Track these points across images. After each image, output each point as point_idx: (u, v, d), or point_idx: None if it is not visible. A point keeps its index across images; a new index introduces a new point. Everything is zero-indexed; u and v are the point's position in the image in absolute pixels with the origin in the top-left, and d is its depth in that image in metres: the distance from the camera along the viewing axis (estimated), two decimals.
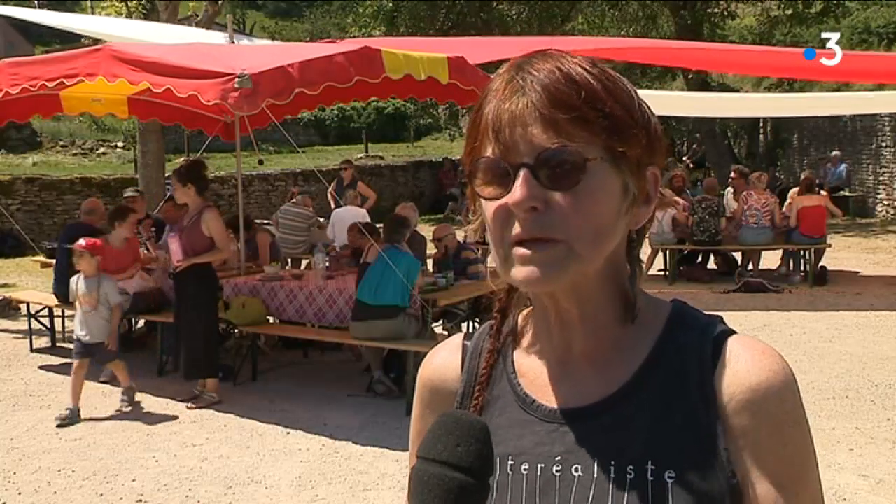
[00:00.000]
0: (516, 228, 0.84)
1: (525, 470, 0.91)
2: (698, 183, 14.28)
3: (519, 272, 0.84)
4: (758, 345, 0.88)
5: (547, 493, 0.89)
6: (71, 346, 7.97)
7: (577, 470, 0.88)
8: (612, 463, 0.87)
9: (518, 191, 0.82)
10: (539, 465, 0.90)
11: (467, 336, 1.05)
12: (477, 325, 7.16)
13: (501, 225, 0.85)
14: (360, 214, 9.38)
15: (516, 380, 0.96)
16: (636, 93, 0.89)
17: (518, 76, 0.85)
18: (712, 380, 0.87)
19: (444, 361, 1.03)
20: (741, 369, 0.86)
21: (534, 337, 0.97)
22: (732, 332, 0.90)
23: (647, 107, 0.90)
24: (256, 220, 9.53)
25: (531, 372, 0.95)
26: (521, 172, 0.82)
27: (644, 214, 0.90)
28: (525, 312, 0.99)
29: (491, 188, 0.86)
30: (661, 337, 0.91)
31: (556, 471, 0.89)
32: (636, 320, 0.92)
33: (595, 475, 0.87)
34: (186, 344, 6.17)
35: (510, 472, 0.91)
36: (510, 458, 0.92)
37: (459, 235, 7.84)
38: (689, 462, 0.85)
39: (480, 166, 0.86)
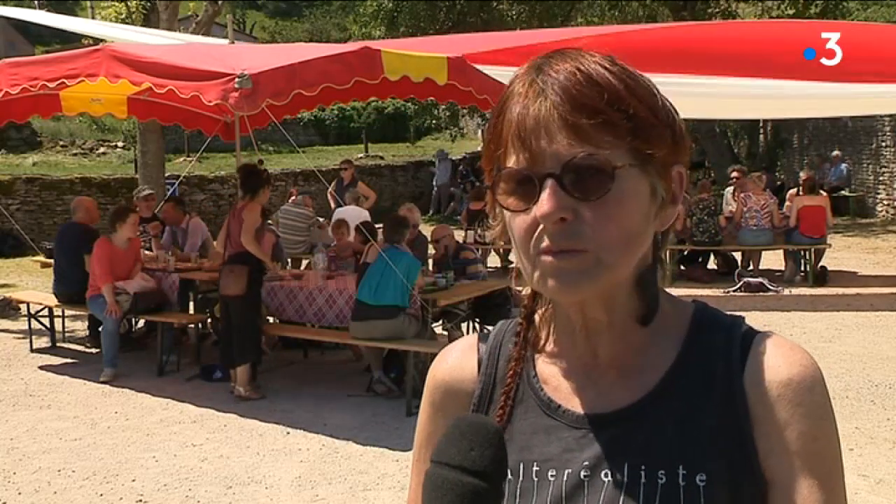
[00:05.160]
0: (544, 240, 0.81)
1: (552, 476, 0.89)
2: (696, 183, 14.28)
3: (549, 283, 0.82)
4: (785, 342, 0.88)
5: (574, 499, 0.87)
6: (71, 346, 8.01)
7: (606, 475, 0.86)
8: (643, 468, 0.85)
9: (546, 203, 0.79)
10: (566, 471, 0.88)
11: (481, 337, 1.01)
12: (477, 325, 7.17)
13: (528, 236, 0.82)
14: (362, 214, 9.38)
15: (539, 385, 0.94)
16: (658, 90, 0.86)
17: (538, 78, 0.82)
18: (741, 380, 0.86)
19: (458, 362, 1.00)
20: (771, 366, 0.85)
21: (556, 342, 0.94)
22: (757, 332, 0.89)
23: (670, 104, 0.87)
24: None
25: (554, 377, 0.93)
26: (548, 183, 0.80)
27: (671, 215, 0.88)
28: (542, 313, 0.96)
29: (514, 199, 0.83)
30: (687, 339, 0.90)
31: (584, 476, 0.87)
32: (662, 323, 0.90)
33: (625, 480, 0.85)
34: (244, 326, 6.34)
35: (535, 479, 0.89)
36: (535, 464, 0.90)
37: (458, 236, 7.84)
38: (720, 465, 0.84)
39: (504, 177, 0.84)
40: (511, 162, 0.83)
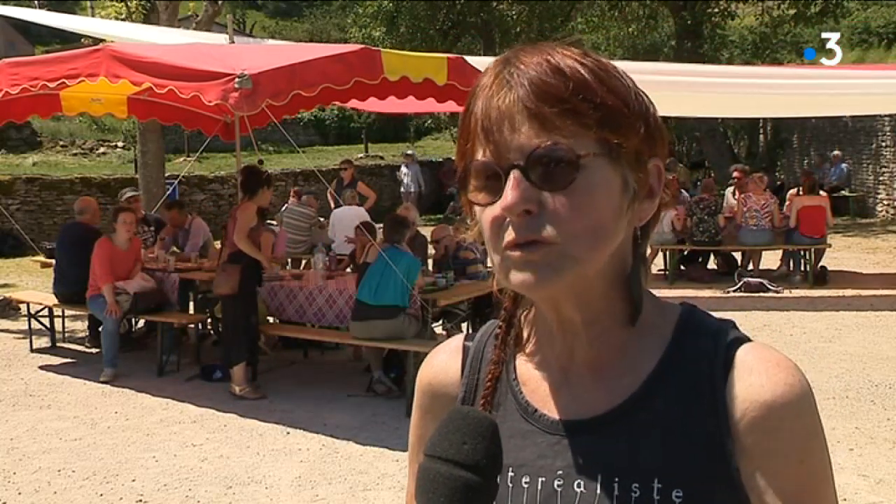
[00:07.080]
0: (510, 233, 0.79)
1: (525, 483, 0.87)
2: (698, 183, 14.30)
3: (514, 277, 0.80)
4: (772, 355, 0.83)
5: None
6: (71, 346, 8.01)
7: (579, 486, 0.84)
8: (616, 480, 0.82)
9: (509, 194, 0.77)
10: (540, 479, 0.86)
11: (468, 337, 1.00)
12: (477, 325, 7.17)
13: (497, 230, 0.80)
14: (360, 214, 9.39)
15: (518, 387, 0.91)
16: (633, 82, 0.84)
17: (506, 71, 0.81)
18: (724, 393, 0.82)
19: (443, 365, 0.99)
20: (754, 383, 0.81)
21: (536, 343, 0.92)
22: (745, 340, 0.85)
23: (646, 96, 0.85)
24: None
25: (533, 380, 0.91)
26: (512, 174, 0.78)
27: (648, 210, 0.85)
28: (527, 315, 0.94)
29: (483, 194, 0.81)
30: (670, 344, 0.86)
31: (558, 485, 0.85)
32: (643, 325, 0.87)
33: (598, 492, 0.83)
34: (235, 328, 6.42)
35: (510, 485, 0.87)
36: (510, 469, 0.88)
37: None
38: (698, 480, 0.81)
39: (471, 171, 0.82)
40: (479, 155, 0.82)
